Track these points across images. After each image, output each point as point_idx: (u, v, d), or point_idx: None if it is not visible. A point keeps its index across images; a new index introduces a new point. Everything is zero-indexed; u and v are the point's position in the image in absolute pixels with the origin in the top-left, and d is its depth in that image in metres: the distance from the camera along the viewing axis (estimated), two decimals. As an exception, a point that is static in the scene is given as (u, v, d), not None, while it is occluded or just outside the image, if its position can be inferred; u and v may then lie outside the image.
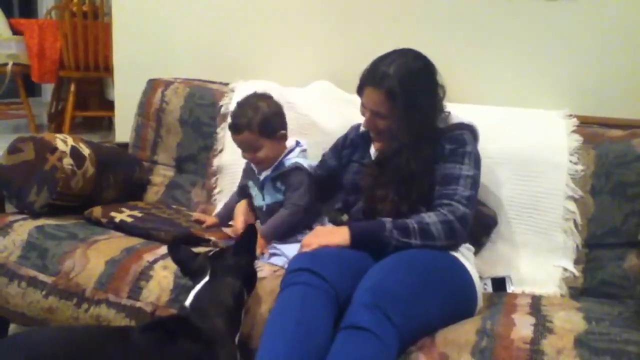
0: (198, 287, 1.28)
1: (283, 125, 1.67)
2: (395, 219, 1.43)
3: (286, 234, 1.62)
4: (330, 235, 1.44)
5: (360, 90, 1.56)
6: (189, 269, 1.36)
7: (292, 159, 1.65)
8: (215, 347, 1.19)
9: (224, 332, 1.22)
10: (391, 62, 1.49)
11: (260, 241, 1.54)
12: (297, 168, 1.64)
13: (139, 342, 1.16)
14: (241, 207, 1.72)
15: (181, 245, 1.39)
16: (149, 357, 1.15)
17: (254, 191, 1.70)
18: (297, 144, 1.70)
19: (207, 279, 1.29)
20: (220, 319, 1.23)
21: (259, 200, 1.69)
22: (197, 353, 1.17)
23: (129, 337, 1.18)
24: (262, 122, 1.59)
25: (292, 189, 1.63)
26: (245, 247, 1.36)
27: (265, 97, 1.67)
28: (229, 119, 1.66)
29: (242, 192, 1.77)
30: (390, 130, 1.51)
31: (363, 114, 1.57)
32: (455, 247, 1.45)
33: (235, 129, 1.62)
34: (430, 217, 1.41)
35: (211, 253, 1.37)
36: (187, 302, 1.26)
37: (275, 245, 1.61)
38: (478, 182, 1.50)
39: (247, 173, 1.76)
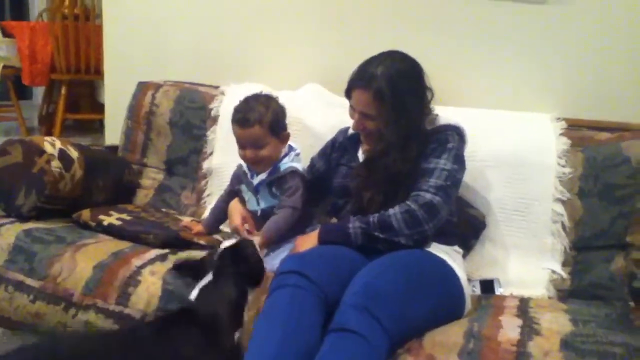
0: (202, 282, 1.30)
1: (286, 126, 1.68)
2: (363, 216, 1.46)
3: (285, 235, 1.63)
4: (303, 242, 1.50)
5: (348, 92, 1.57)
6: (194, 274, 1.38)
7: (287, 163, 1.65)
8: (220, 337, 1.21)
9: (228, 324, 1.25)
10: (379, 63, 1.50)
11: (263, 239, 1.56)
12: (293, 172, 1.64)
13: (146, 334, 1.21)
14: (235, 205, 1.71)
15: (184, 267, 1.44)
16: (157, 346, 1.18)
17: (247, 195, 1.70)
18: (290, 148, 1.70)
19: (211, 277, 1.31)
20: (224, 312, 1.25)
21: (252, 205, 1.68)
22: (203, 342, 1.19)
23: (137, 333, 1.23)
24: (273, 119, 1.61)
25: (290, 192, 1.63)
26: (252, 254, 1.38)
27: (273, 97, 1.68)
28: (234, 114, 1.63)
29: (230, 198, 1.76)
30: (379, 131, 1.52)
31: (352, 116, 1.58)
32: (426, 237, 1.44)
33: (245, 122, 1.59)
34: (393, 210, 1.43)
35: (220, 251, 1.37)
36: (192, 296, 1.29)
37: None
38: (456, 176, 1.49)
39: (238, 178, 1.74)
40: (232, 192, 1.76)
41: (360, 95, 1.52)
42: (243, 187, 1.70)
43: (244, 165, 1.69)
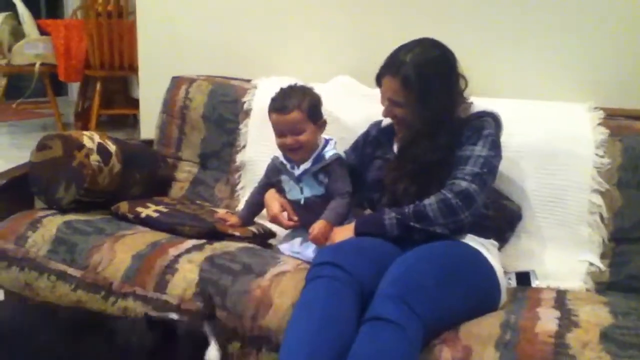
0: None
1: (322, 115, 1.70)
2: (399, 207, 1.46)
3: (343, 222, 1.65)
4: (339, 234, 1.50)
5: (379, 80, 1.58)
6: None
7: (330, 151, 1.66)
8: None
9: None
10: (409, 50, 1.51)
11: (326, 229, 1.56)
12: (340, 158, 1.67)
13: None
14: (272, 194, 1.72)
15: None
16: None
17: (289, 185, 1.70)
18: (326, 140, 1.71)
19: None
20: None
21: (295, 194, 1.69)
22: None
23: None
24: (311, 105, 1.64)
25: (342, 179, 1.65)
26: None
27: (309, 87, 1.72)
28: (272, 103, 1.66)
29: (264, 190, 1.77)
30: (407, 118, 1.52)
31: (382, 103, 1.59)
32: (463, 226, 1.43)
33: (284, 109, 1.61)
34: (429, 199, 1.42)
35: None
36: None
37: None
38: (492, 163, 1.48)
39: (275, 170, 1.74)
40: (267, 185, 1.77)
41: (389, 82, 1.53)
42: (283, 178, 1.70)
43: (281, 156, 1.71)
